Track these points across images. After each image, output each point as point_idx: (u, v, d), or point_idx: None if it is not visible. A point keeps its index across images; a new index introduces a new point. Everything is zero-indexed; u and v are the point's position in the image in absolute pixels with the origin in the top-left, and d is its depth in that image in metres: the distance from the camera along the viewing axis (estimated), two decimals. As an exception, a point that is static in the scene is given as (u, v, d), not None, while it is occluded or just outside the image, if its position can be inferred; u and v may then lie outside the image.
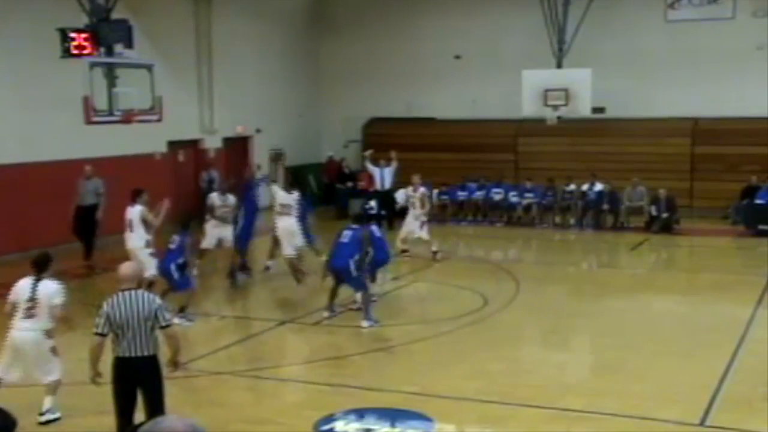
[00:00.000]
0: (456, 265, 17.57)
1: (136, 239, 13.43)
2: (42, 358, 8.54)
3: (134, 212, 13.47)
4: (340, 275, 12.72)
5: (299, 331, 12.39)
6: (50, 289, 8.49)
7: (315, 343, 11.78)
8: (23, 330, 8.45)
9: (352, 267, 12.48)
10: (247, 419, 8.73)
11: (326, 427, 8.43)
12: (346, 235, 12.76)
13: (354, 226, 13.07)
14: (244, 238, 15.49)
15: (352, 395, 9.45)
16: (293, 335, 12.33)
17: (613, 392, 9.50)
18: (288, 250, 14.80)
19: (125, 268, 7.42)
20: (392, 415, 8.75)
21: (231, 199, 15.67)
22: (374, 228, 13.53)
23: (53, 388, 8.63)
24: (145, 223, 13.45)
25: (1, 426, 4.10)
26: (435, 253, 17.50)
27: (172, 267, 12.56)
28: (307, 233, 15.23)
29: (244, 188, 16.28)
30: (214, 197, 15.80)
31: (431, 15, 25.86)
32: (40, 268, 8.57)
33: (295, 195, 15.15)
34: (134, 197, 13.66)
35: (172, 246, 12.74)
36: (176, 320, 12.07)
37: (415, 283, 15.87)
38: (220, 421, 8.32)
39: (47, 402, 8.59)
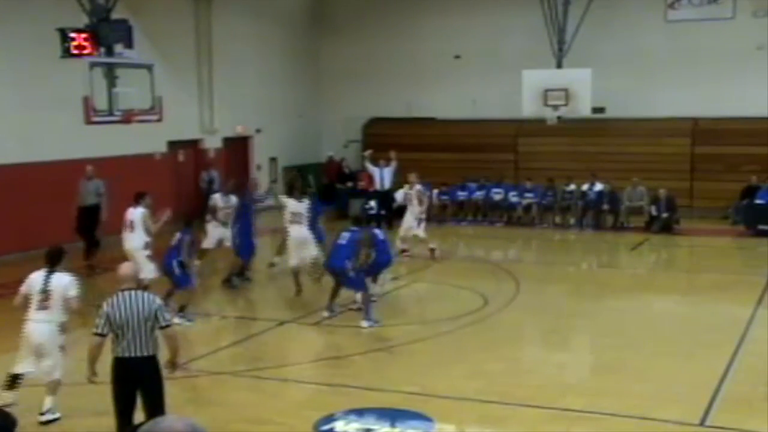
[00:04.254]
0: (456, 265, 17.58)
1: (136, 241, 13.49)
2: (51, 353, 8.57)
3: (136, 214, 13.57)
4: (338, 276, 12.74)
5: (299, 331, 12.39)
6: (64, 281, 8.54)
7: (315, 343, 11.78)
8: (38, 321, 8.54)
9: (349, 267, 12.49)
10: (247, 419, 8.73)
11: (326, 427, 8.43)
12: (345, 237, 12.76)
13: (353, 228, 13.06)
14: (246, 250, 15.30)
15: (352, 395, 9.45)
16: (293, 335, 12.32)
17: (613, 392, 9.50)
18: (293, 260, 14.47)
19: (125, 268, 7.42)
20: (392, 415, 8.75)
21: (233, 199, 15.62)
22: (377, 231, 13.52)
23: (53, 388, 8.64)
24: (145, 226, 13.54)
25: (1, 426, 4.10)
26: (432, 250, 17.50)
27: (174, 264, 12.57)
28: (318, 236, 15.04)
29: (243, 203, 15.66)
30: (217, 198, 15.76)
31: (431, 15, 25.86)
32: (53, 261, 8.63)
33: (306, 203, 14.83)
34: (137, 199, 13.77)
35: (173, 243, 12.76)
36: (176, 320, 12.06)
37: (415, 283, 15.86)
38: (220, 421, 8.32)
39: (48, 402, 8.59)
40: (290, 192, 15.36)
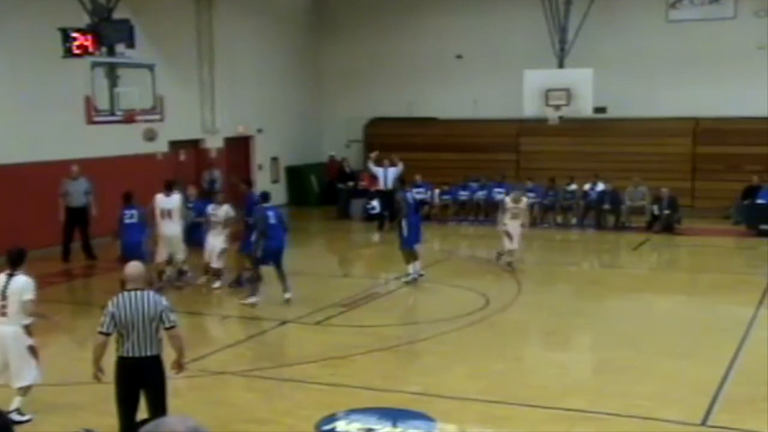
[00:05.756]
0: (457, 265, 17.56)
1: (176, 227, 14.35)
2: (18, 357, 8.40)
3: (173, 201, 14.32)
4: (277, 256, 13.45)
5: (300, 331, 12.39)
6: (19, 284, 8.33)
7: (316, 343, 11.76)
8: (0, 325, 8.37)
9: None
10: (248, 419, 8.72)
11: (327, 427, 8.43)
12: (271, 216, 13.34)
13: (267, 205, 13.64)
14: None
15: (353, 395, 9.44)
16: (294, 335, 12.33)
17: (614, 392, 9.49)
18: (162, 255, 14.53)
19: (132, 268, 7.34)
20: (394, 415, 8.74)
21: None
22: (408, 194, 14.99)
23: (24, 391, 8.51)
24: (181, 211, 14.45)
25: (1, 426, 4.09)
26: (510, 263, 16.57)
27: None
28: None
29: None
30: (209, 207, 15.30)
31: (432, 14, 25.85)
32: (14, 263, 8.43)
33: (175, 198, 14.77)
34: (170, 188, 14.45)
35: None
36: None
37: (416, 283, 15.84)
38: (221, 421, 8.32)
39: (16, 401, 8.45)
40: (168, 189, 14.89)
